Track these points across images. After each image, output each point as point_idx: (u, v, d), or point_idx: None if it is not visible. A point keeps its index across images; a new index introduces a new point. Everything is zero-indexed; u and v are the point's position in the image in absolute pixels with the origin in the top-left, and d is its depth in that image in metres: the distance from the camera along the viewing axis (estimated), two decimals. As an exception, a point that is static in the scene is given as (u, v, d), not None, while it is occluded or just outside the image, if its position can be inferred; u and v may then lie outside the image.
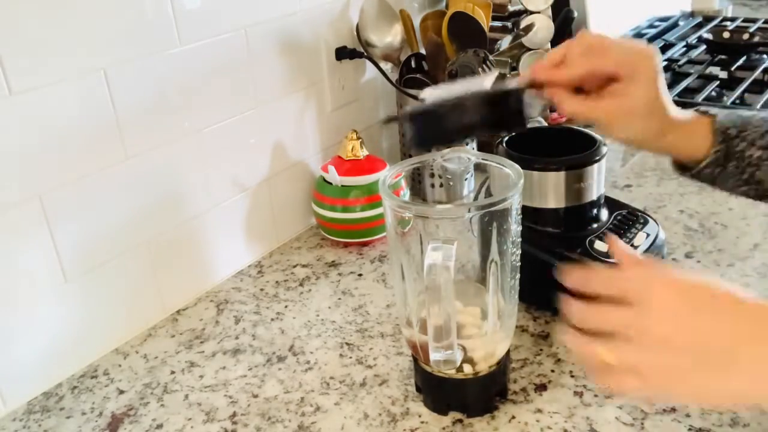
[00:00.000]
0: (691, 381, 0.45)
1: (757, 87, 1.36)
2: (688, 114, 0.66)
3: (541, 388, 0.71)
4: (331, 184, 0.97)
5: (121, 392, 0.75)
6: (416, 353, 0.68)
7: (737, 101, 1.30)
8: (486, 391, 0.69)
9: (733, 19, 1.79)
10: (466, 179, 1.02)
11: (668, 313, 0.45)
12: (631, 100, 0.61)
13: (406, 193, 1.01)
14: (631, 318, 0.46)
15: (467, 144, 1.05)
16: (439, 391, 0.69)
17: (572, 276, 0.50)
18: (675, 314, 0.45)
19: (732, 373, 0.44)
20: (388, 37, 1.05)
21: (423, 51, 1.08)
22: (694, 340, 0.45)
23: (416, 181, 1.08)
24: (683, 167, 0.68)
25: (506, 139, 0.81)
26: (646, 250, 0.77)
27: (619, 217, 0.81)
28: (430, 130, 0.65)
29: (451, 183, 0.95)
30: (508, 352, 0.69)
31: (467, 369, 0.66)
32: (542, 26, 1.13)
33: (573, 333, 0.49)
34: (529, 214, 0.79)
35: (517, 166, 0.65)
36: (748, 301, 0.45)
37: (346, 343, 0.80)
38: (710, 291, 0.46)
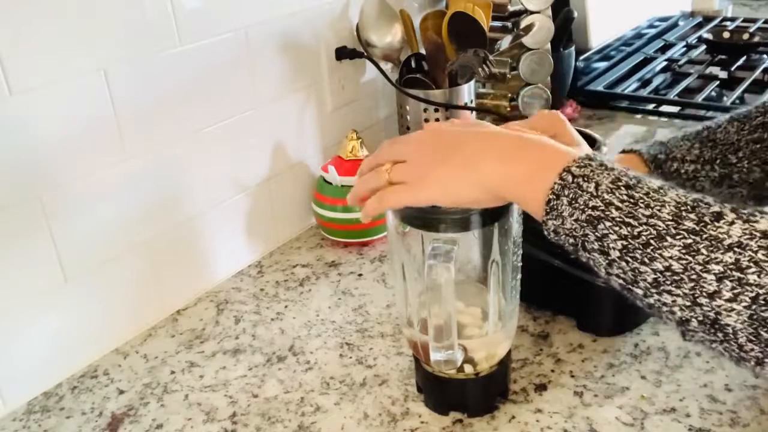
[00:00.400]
0: (436, 173, 0.57)
1: (757, 87, 1.36)
2: (616, 157, 0.71)
3: (541, 388, 0.71)
4: (331, 184, 0.97)
5: (121, 392, 0.75)
6: (417, 353, 0.68)
7: (737, 101, 1.30)
8: (487, 392, 0.69)
9: (733, 19, 1.79)
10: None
11: (422, 136, 0.60)
12: None
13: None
14: (398, 144, 0.61)
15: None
16: (439, 392, 0.69)
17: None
18: (426, 137, 0.60)
19: (460, 163, 0.56)
20: (388, 37, 1.05)
21: (423, 51, 1.08)
22: (438, 146, 0.58)
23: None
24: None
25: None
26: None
27: (619, 217, 0.81)
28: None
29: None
30: (509, 353, 0.69)
31: (468, 369, 0.66)
32: (542, 26, 1.13)
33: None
34: (528, 213, 0.79)
35: None
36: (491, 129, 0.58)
37: (346, 343, 0.80)
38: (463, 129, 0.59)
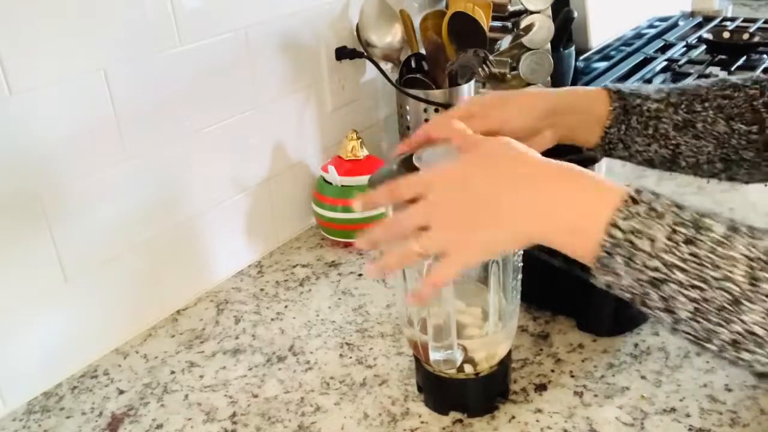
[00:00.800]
0: (477, 238, 0.53)
1: (757, 87, 1.36)
2: (586, 92, 0.70)
3: (541, 388, 0.71)
4: (331, 184, 0.97)
5: (121, 392, 0.75)
6: (417, 353, 0.68)
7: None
8: (487, 392, 0.69)
9: (733, 19, 1.79)
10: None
11: (446, 186, 0.54)
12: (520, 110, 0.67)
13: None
14: (421, 205, 0.54)
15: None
16: (439, 391, 0.69)
17: (381, 190, 0.57)
18: (451, 188, 0.53)
19: (499, 222, 0.52)
20: (388, 37, 1.05)
21: (423, 51, 1.08)
22: (468, 203, 0.52)
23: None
24: (591, 149, 0.71)
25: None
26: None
27: (619, 217, 0.81)
28: None
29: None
30: (509, 353, 0.69)
31: (468, 369, 0.66)
32: (542, 26, 1.13)
33: (378, 257, 0.57)
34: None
35: None
36: (521, 160, 0.53)
37: (346, 343, 0.80)
38: (491, 161, 0.54)
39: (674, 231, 0.46)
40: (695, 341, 0.48)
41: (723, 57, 1.50)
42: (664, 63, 1.52)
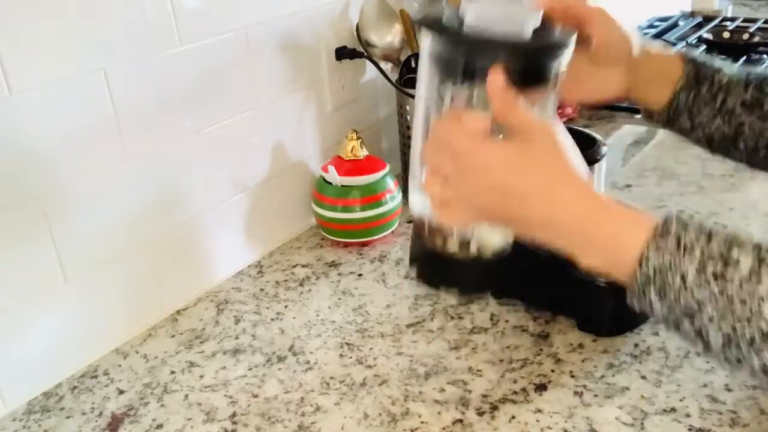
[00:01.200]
0: (497, 215, 0.54)
1: (757, 87, 1.36)
2: (662, 51, 0.69)
3: (541, 388, 0.71)
4: (331, 184, 0.97)
5: (121, 392, 0.75)
6: (420, 227, 0.64)
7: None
8: (484, 277, 0.65)
9: (733, 19, 1.79)
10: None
11: (470, 177, 0.54)
12: (607, 45, 0.65)
13: (397, 195, 1.01)
14: (451, 165, 0.54)
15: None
16: (437, 267, 0.65)
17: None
18: (476, 180, 0.53)
19: (526, 229, 0.54)
20: (388, 37, 1.05)
21: (423, 51, 1.08)
22: (484, 200, 0.54)
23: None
24: (654, 113, 0.70)
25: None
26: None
27: (619, 217, 0.81)
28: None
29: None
30: (511, 244, 0.64)
31: (471, 250, 0.62)
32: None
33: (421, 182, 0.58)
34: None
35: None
36: (557, 162, 0.53)
37: (346, 343, 0.80)
38: (529, 151, 0.53)
39: (704, 265, 0.47)
40: (727, 364, 0.49)
41: (723, 57, 1.50)
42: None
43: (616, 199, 0.52)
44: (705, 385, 0.70)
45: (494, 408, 0.69)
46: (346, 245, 1.00)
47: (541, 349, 0.76)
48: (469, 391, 0.71)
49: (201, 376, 0.77)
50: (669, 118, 0.69)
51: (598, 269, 0.53)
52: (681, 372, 0.72)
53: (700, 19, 1.81)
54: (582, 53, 0.62)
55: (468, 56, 0.55)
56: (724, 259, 0.47)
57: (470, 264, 0.63)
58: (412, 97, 1.02)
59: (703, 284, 0.47)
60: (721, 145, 0.69)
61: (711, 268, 0.47)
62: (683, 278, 0.47)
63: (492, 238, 0.63)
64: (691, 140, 0.70)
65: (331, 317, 0.85)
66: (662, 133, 1.26)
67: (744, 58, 1.47)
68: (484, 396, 0.70)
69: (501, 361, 0.75)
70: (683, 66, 0.67)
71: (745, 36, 1.56)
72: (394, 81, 1.05)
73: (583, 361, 0.74)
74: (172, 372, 0.78)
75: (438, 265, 0.64)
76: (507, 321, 0.81)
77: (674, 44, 1.62)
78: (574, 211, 0.52)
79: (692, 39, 1.64)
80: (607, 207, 0.52)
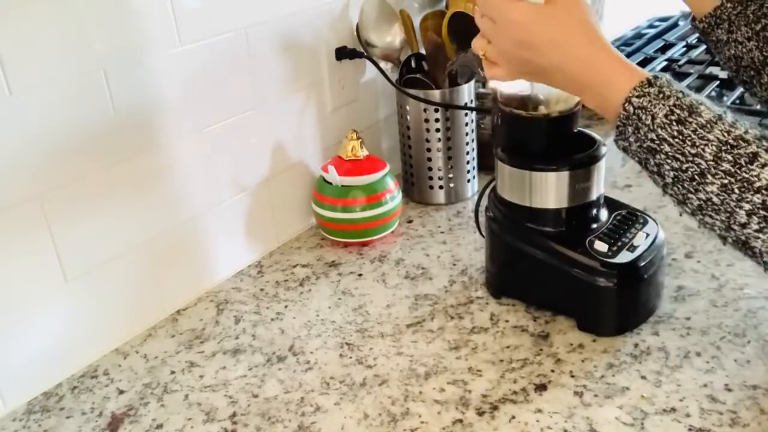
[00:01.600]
0: (519, 75, 0.67)
1: (757, 87, 1.36)
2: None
3: (541, 388, 0.71)
4: (331, 184, 0.97)
5: (121, 392, 0.75)
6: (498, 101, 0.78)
7: (737, 101, 1.30)
8: (553, 136, 0.77)
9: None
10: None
11: (508, 33, 0.64)
12: None
13: (397, 195, 1.01)
14: (492, 28, 0.65)
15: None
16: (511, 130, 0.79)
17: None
18: (513, 36, 0.64)
19: (544, 77, 0.65)
20: (388, 37, 1.05)
21: (423, 51, 1.08)
22: (522, 55, 0.64)
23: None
24: (697, 17, 0.75)
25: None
26: (646, 251, 0.77)
27: (618, 217, 0.81)
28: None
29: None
30: (579, 103, 0.76)
31: (541, 110, 0.75)
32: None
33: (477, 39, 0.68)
34: (528, 214, 0.79)
35: None
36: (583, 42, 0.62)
37: (346, 343, 0.80)
38: (559, 28, 0.62)
39: (671, 111, 0.57)
40: (677, 203, 0.60)
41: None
42: (664, 63, 1.52)
43: (620, 55, 0.62)
44: (705, 385, 0.70)
45: (494, 408, 0.69)
46: (346, 245, 1.00)
47: (541, 349, 0.76)
48: (469, 391, 0.71)
49: (201, 376, 0.77)
50: (709, 25, 0.74)
51: (595, 109, 0.63)
52: (681, 372, 0.72)
53: (700, 19, 1.81)
54: None
55: None
56: (690, 110, 0.57)
57: (539, 121, 0.76)
58: (412, 97, 1.03)
59: (666, 125, 0.57)
60: (747, 71, 0.74)
61: (677, 113, 0.57)
62: (653, 118, 0.57)
63: (550, 96, 0.75)
64: (722, 58, 0.76)
65: (331, 317, 0.85)
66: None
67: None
68: (484, 396, 0.70)
69: (501, 361, 0.75)
70: None
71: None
72: (394, 81, 1.05)
73: (583, 361, 0.74)
74: (172, 372, 0.78)
75: (515, 128, 0.78)
76: (507, 321, 0.81)
77: (674, 44, 1.62)
78: (580, 60, 0.62)
79: (692, 39, 1.64)
80: (609, 59, 0.61)
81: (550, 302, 0.82)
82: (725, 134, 0.55)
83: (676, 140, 0.56)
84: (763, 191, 0.53)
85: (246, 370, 0.77)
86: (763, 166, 0.53)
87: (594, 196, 0.79)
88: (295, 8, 0.95)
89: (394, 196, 0.99)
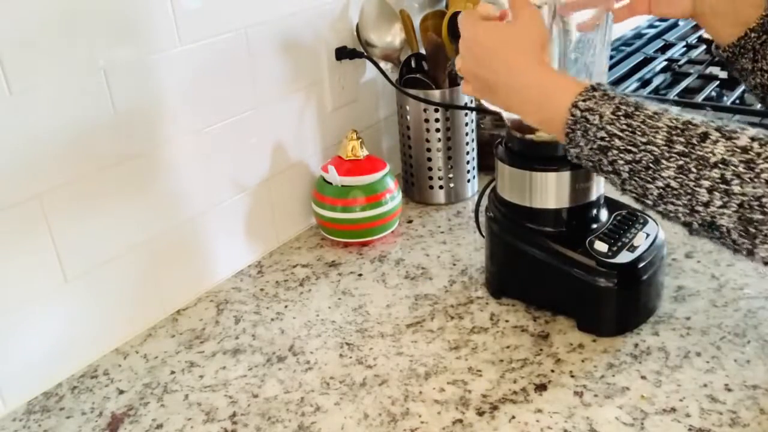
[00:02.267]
0: (490, 94, 0.69)
1: (757, 87, 1.36)
2: None
3: (541, 388, 0.71)
4: (331, 184, 0.97)
5: (121, 392, 0.75)
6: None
7: (737, 101, 1.30)
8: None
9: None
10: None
11: (471, 51, 0.69)
12: None
13: (397, 194, 1.01)
14: (461, 44, 0.70)
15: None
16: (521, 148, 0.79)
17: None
18: (474, 53, 0.68)
19: (496, 95, 0.68)
20: (388, 37, 1.05)
21: (423, 51, 1.08)
22: (478, 71, 0.68)
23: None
24: (720, 47, 0.75)
25: (506, 139, 0.81)
26: (646, 251, 0.77)
27: (618, 218, 0.81)
28: None
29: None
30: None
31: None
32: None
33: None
34: (528, 214, 0.79)
35: None
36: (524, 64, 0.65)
37: (346, 343, 0.80)
38: (505, 55, 0.66)
39: (618, 108, 0.58)
40: (637, 199, 0.60)
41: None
42: (664, 63, 1.52)
43: (566, 75, 0.66)
44: (705, 385, 0.70)
45: (494, 408, 0.69)
46: (346, 245, 1.00)
47: (541, 349, 0.76)
48: (469, 391, 0.71)
49: (201, 376, 0.77)
50: (734, 54, 0.74)
51: (542, 127, 0.66)
52: (681, 372, 0.72)
53: (700, 19, 1.81)
54: None
55: None
56: (636, 105, 0.58)
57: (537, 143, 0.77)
58: (412, 97, 1.03)
59: (615, 121, 0.58)
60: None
61: (624, 109, 0.58)
62: (601, 117, 0.59)
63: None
64: (748, 85, 0.76)
65: (331, 317, 0.85)
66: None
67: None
68: (484, 396, 0.70)
69: (501, 361, 0.75)
70: (761, 10, 0.71)
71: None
72: (394, 81, 1.05)
73: (583, 361, 0.74)
74: (172, 372, 0.78)
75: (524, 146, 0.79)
76: (507, 321, 0.81)
77: (674, 44, 1.62)
78: (527, 79, 0.64)
79: (692, 39, 1.64)
80: (554, 78, 0.63)
81: (550, 302, 0.82)
82: (673, 121, 0.56)
83: (626, 133, 0.57)
84: (720, 165, 0.53)
85: (246, 370, 0.77)
86: (715, 142, 0.54)
87: (594, 197, 0.79)
88: (295, 8, 0.95)
89: (394, 196, 0.99)
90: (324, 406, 0.71)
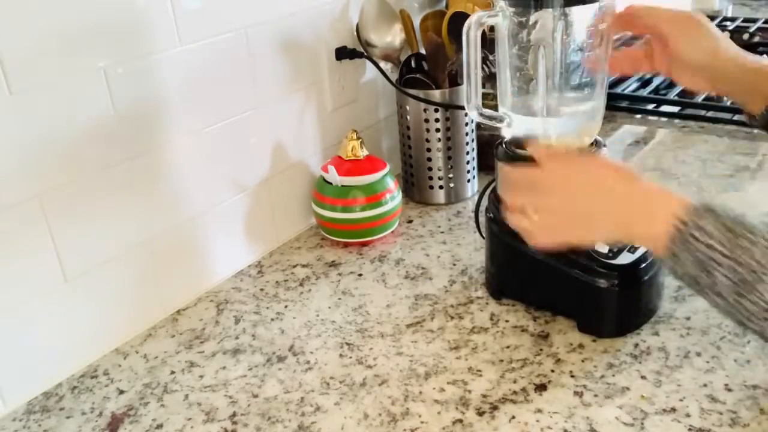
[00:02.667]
0: (567, 234, 0.67)
1: (757, 87, 1.36)
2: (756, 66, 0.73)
3: (541, 388, 0.71)
4: (331, 184, 0.97)
5: (121, 392, 0.75)
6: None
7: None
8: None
9: (733, 19, 1.79)
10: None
11: (553, 189, 0.67)
12: (682, 56, 0.73)
13: (397, 194, 1.01)
14: (532, 195, 0.68)
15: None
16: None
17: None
18: (557, 190, 0.67)
19: (593, 231, 0.67)
20: (388, 37, 1.05)
21: (423, 51, 1.08)
22: (567, 208, 0.66)
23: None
24: (750, 117, 0.75)
25: (507, 139, 0.81)
26: (647, 251, 0.77)
27: (619, 217, 0.81)
28: None
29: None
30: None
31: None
32: (544, 24, 1.13)
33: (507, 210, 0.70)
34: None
35: None
36: (618, 184, 0.64)
37: (346, 343, 0.80)
38: (595, 173, 0.66)
39: (718, 220, 0.57)
40: (736, 317, 0.57)
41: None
42: (664, 63, 1.52)
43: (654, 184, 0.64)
44: (705, 385, 0.70)
45: (494, 408, 0.69)
46: (346, 245, 1.00)
47: (541, 349, 0.76)
48: (469, 391, 0.71)
49: (201, 376, 0.77)
50: (766, 124, 0.73)
51: (643, 243, 0.67)
52: (681, 372, 0.72)
53: (700, 19, 1.81)
54: (664, 53, 0.74)
55: None
56: (736, 219, 0.58)
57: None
58: (412, 97, 1.03)
59: (716, 234, 0.56)
60: None
61: (725, 223, 0.57)
62: (704, 231, 0.57)
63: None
64: None
65: (331, 317, 0.85)
66: (662, 133, 1.26)
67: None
68: (484, 396, 0.70)
69: (501, 361, 0.75)
70: None
71: (745, 36, 1.56)
72: (394, 81, 1.05)
73: (583, 361, 0.74)
74: (172, 372, 0.78)
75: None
76: (507, 321, 0.81)
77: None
78: (620, 198, 0.63)
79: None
80: (647, 192, 0.62)
81: (550, 303, 0.82)
82: None
83: (727, 248, 0.56)
84: None
85: (246, 370, 0.77)
86: None
87: (594, 196, 0.79)
88: (295, 8, 0.95)
89: (394, 196, 0.99)
90: (324, 406, 0.71)
